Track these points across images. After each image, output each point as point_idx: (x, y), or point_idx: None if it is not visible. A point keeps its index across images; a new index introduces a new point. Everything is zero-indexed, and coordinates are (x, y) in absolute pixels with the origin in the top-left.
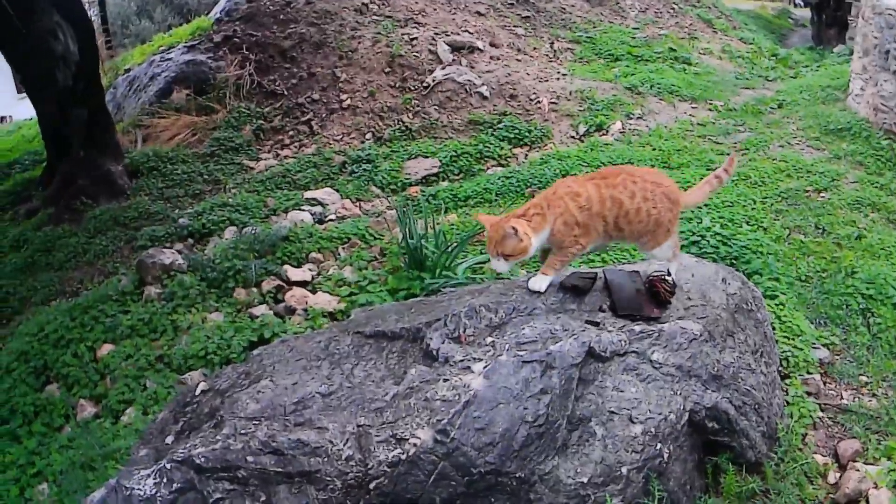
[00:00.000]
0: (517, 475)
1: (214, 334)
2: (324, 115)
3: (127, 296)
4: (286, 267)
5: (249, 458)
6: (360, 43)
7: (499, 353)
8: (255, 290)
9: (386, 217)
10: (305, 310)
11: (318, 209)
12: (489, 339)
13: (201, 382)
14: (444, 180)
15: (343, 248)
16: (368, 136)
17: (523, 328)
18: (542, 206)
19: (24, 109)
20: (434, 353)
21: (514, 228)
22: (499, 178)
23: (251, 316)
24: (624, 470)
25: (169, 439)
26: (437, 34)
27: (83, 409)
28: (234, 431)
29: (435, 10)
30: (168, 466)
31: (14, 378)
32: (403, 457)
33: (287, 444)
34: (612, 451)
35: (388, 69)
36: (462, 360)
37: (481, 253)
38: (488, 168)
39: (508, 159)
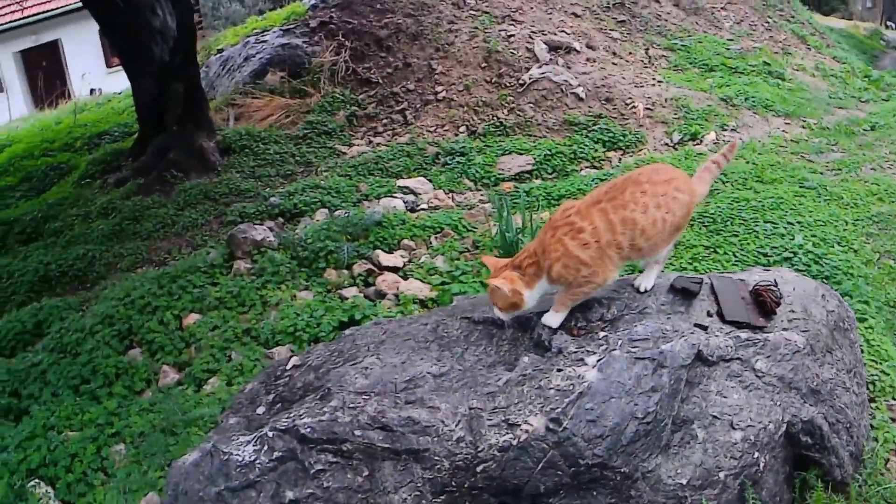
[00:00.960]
0: (622, 470)
1: (304, 312)
2: (418, 106)
3: (216, 268)
4: (378, 252)
5: (357, 433)
6: (456, 36)
7: (612, 348)
8: (345, 271)
9: (479, 210)
10: (396, 295)
11: (411, 197)
12: (602, 334)
13: (293, 357)
14: (537, 178)
15: (435, 238)
16: (462, 129)
17: (636, 325)
18: (536, 253)
19: (113, 83)
20: (546, 343)
21: (497, 287)
22: (592, 181)
23: (341, 297)
24: (721, 475)
25: (260, 410)
26: (533, 32)
27: (166, 375)
28: (343, 405)
29: (531, 8)
30: (270, 434)
31: (97, 340)
32: (514, 442)
33: (397, 421)
34: (712, 455)
35: (484, 64)
36: (576, 352)
37: None
38: (581, 169)
39: (602, 162)
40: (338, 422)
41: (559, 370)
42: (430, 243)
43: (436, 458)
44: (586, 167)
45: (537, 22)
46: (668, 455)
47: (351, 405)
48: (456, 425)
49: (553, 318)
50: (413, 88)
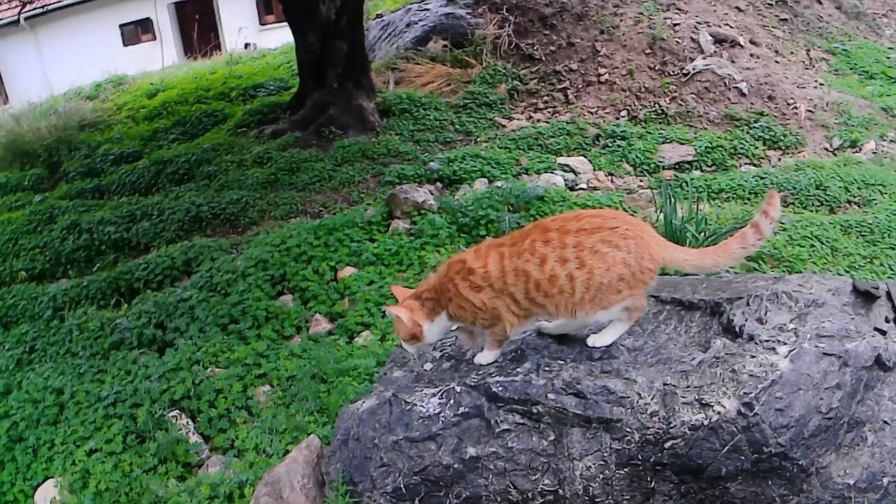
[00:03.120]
0: (800, 463)
1: None
2: (580, 86)
3: (373, 225)
4: None
5: (550, 396)
6: (621, 20)
7: (801, 341)
8: None
9: (639, 195)
10: None
11: (571, 176)
12: (791, 326)
13: None
14: (696, 169)
15: None
16: (623, 113)
17: (823, 322)
18: (435, 289)
19: (265, 39)
20: (737, 329)
21: (397, 316)
22: (752, 177)
23: None
24: (885, 480)
25: (427, 366)
26: (698, 23)
27: (317, 323)
28: (537, 367)
29: None
30: (458, 389)
31: (249, 283)
32: (706, 422)
33: (592, 389)
34: (878, 459)
35: (648, 50)
36: (768, 341)
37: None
38: (741, 165)
39: (761, 160)
40: (532, 384)
41: (752, 356)
42: None
43: (627, 429)
44: (745, 164)
45: (702, 13)
46: (840, 454)
47: (546, 368)
48: (651, 399)
49: (483, 358)
50: (575, 68)
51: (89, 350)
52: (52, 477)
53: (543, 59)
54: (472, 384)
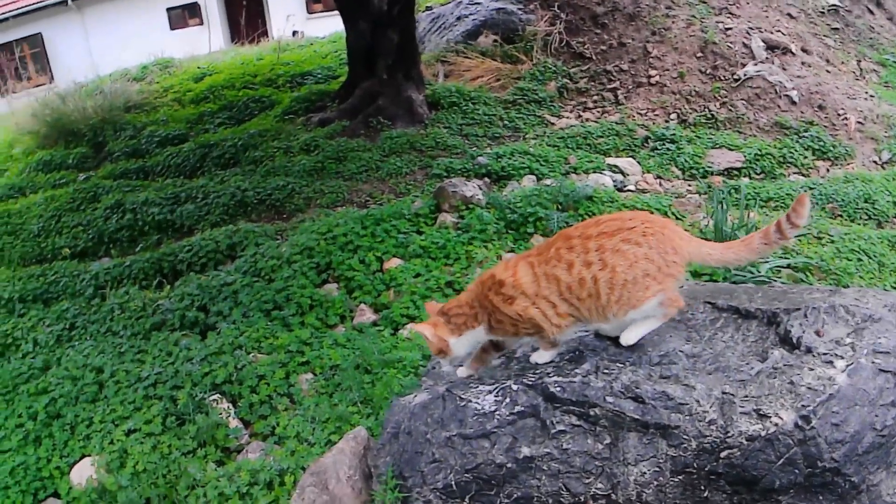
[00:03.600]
0: (852, 479)
1: None
2: (630, 87)
3: (420, 218)
4: None
5: (609, 399)
6: (673, 22)
7: (858, 356)
8: None
9: (688, 199)
10: None
11: (619, 177)
12: (848, 340)
13: None
14: (745, 176)
15: None
16: (673, 116)
17: (879, 337)
18: (469, 304)
19: (313, 28)
20: (795, 340)
21: (421, 332)
22: (801, 187)
23: None
24: None
25: None
26: (750, 28)
27: (362, 313)
28: (596, 369)
29: (748, 3)
30: (514, 387)
31: (294, 269)
32: (763, 433)
33: (651, 394)
34: None
35: (699, 54)
36: (825, 354)
37: (782, 256)
38: (789, 175)
39: (809, 170)
40: (590, 385)
41: (810, 369)
42: None
43: (684, 436)
44: (794, 173)
45: (754, 18)
46: (890, 472)
47: (605, 371)
48: (710, 407)
49: (538, 356)
50: (626, 69)
51: (130, 330)
52: (89, 455)
53: (594, 58)
54: (530, 383)
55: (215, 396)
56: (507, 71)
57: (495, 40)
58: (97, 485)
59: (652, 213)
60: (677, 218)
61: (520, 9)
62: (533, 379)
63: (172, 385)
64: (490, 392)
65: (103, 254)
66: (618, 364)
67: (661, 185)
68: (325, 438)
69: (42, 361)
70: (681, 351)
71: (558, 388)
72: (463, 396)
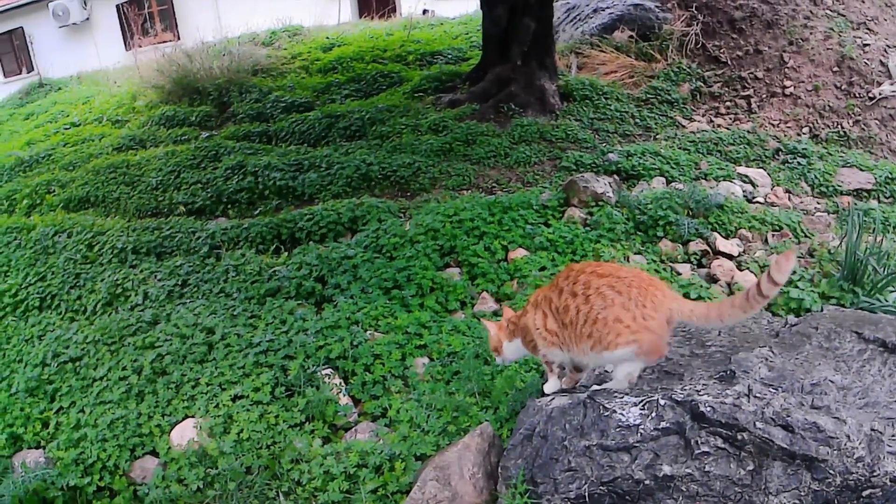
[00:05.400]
0: None
1: None
2: (764, 96)
3: (548, 210)
4: (716, 234)
5: (759, 425)
6: (811, 33)
7: None
8: (681, 246)
9: (818, 217)
10: (729, 284)
11: (749, 188)
12: None
13: None
14: (874, 199)
15: (772, 235)
16: (805, 130)
17: None
18: (520, 315)
19: (442, 8)
20: None
21: (486, 328)
22: None
23: (675, 271)
24: None
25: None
26: (888, 47)
27: (483, 301)
28: (748, 392)
29: (886, 20)
30: (662, 402)
31: (417, 250)
32: None
33: (801, 424)
34: None
35: (835, 68)
36: None
37: None
38: None
39: None
40: (741, 409)
41: None
42: (766, 239)
43: (830, 471)
44: None
45: (891, 35)
46: None
47: (757, 395)
48: (859, 443)
49: (546, 387)
50: (761, 77)
51: (244, 293)
52: (193, 417)
53: (729, 63)
54: (678, 399)
55: (328, 371)
56: (640, 68)
57: (631, 36)
58: (198, 448)
59: (780, 229)
60: (806, 236)
61: (657, 6)
62: (682, 395)
63: (284, 354)
64: (636, 405)
65: (220, 213)
66: (770, 389)
67: (790, 199)
68: (439, 427)
69: (151, 315)
70: (831, 381)
71: (708, 409)
72: (607, 406)
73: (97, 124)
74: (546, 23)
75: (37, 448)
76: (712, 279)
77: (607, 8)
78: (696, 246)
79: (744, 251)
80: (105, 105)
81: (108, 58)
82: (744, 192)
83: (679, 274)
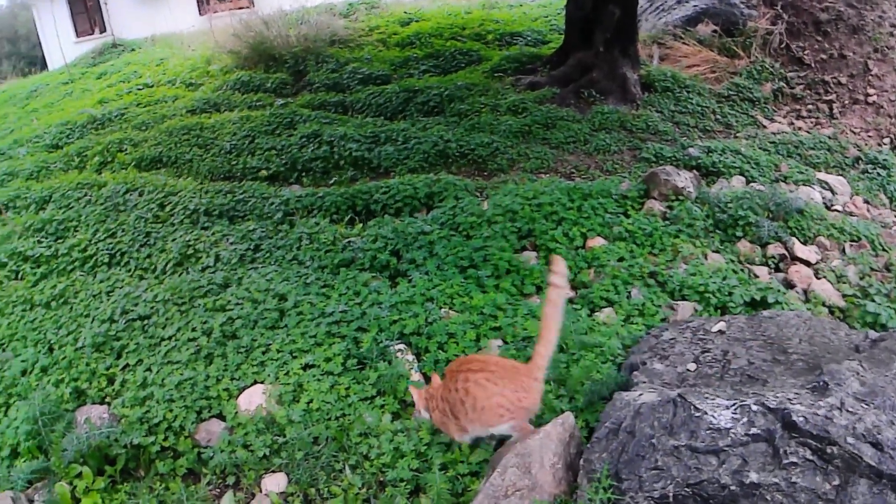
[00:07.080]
0: None
1: (716, 275)
2: (846, 102)
3: (627, 200)
4: (794, 239)
5: (849, 440)
6: None
7: None
8: (759, 249)
9: (894, 232)
10: (805, 291)
11: (828, 194)
12: None
13: (720, 323)
14: None
15: (850, 245)
16: (886, 140)
17: None
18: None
19: None
20: None
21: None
22: None
23: (752, 273)
24: None
25: (691, 366)
26: None
27: None
28: (841, 405)
29: None
30: (754, 408)
31: (495, 231)
32: None
33: (892, 442)
34: None
35: None
36: None
37: None
38: None
39: None
40: (833, 422)
41: None
42: (844, 249)
43: None
44: None
45: None
46: None
47: (850, 409)
48: None
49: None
50: (844, 82)
51: (318, 262)
52: (262, 383)
53: (813, 65)
54: (771, 406)
55: (400, 346)
56: (723, 64)
57: (714, 30)
58: (266, 414)
59: (858, 239)
60: (884, 249)
61: (743, 2)
62: (774, 403)
63: (357, 326)
64: (728, 408)
65: (294, 181)
66: (862, 404)
67: (868, 210)
68: None
69: (222, 278)
70: None
71: (801, 419)
72: (699, 406)
73: (170, 86)
74: (630, 10)
75: (101, 404)
76: (789, 285)
77: (691, 0)
78: (775, 249)
79: (821, 259)
80: (179, 68)
81: (181, 22)
82: (823, 198)
83: (756, 277)
